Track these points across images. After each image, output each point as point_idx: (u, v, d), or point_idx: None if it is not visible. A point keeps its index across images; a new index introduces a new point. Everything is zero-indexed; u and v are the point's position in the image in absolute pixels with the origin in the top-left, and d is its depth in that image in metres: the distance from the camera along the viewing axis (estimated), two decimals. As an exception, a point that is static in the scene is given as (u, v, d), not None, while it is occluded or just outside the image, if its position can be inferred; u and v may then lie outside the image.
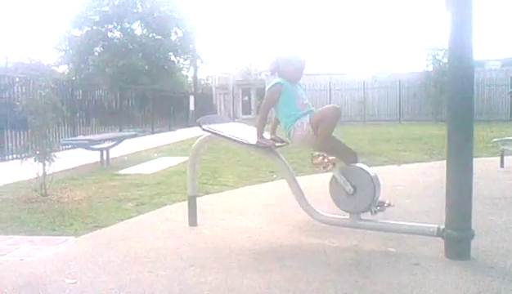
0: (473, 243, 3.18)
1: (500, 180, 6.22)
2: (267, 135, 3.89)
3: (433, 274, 2.90)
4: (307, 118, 3.60)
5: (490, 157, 8.30)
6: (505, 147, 7.24)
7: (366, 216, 3.53)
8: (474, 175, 3.16)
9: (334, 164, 3.53)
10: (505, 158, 7.24)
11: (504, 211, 4.52)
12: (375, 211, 3.48)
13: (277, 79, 3.70)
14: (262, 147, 3.75)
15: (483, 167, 6.90)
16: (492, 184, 5.80)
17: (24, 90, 7.38)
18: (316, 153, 3.58)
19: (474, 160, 3.19)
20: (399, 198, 5.09)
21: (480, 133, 10.41)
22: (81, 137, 11.41)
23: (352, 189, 3.44)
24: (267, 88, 3.76)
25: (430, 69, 25.05)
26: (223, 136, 3.87)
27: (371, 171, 3.50)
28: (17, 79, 10.11)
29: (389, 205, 3.57)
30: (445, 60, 22.82)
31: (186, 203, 4.32)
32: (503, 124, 19.65)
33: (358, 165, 3.56)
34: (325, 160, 3.53)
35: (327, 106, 3.69)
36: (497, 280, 2.80)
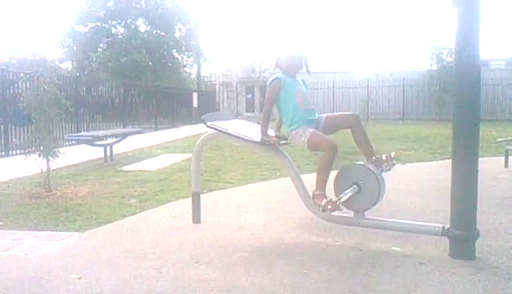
0: (478, 243, 3.17)
1: (504, 180, 6.20)
2: (271, 132, 3.89)
3: (438, 274, 2.89)
4: (306, 134, 3.56)
5: (494, 157, 8.27)
6: (510, 147, 7.20)
7: (371, 214, 3.52)
8: (479, 175, 3.15)
9: (332, 208, 3.37)
10: (509, 157, 7.21)
11: (509, 211, 4.50)
12: (388, 168, 3.58)
13: (276, 74, 3.72)
14: (267, 144, 3.75)
15: (488, 166, 6.88)
16: (497, 184, 5.78)
17: (28, 85, 7.40)
18: (317, 193, 3.46)
19: (479, 160, 3.17)
20: (404, 196, 5.09)
21: (484, 133, 10.37)
22: (85, 133, 11.43)
23: (357, 188, 3.43)
24: (267, 84, 3.77)
25: (434, 67, 24.96)
26: (228, 134, 3.87)
27: (376, 169, 3.49)
28: (22, 75, 10.13)
29: (396, 156, 3.63)
30: (449, 59, 22.77)
31: (189, 200, 4.32)
32: (507, 124, 19.58)
33: (363, 163, 3.56)
34: (328, 206, 3.35)
35: (325, 140, 3.51)
36: (502, 280, 2.79)
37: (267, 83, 3.76)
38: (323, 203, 3.37)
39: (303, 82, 3.85)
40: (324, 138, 3.54)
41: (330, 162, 3.48)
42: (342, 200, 3.36)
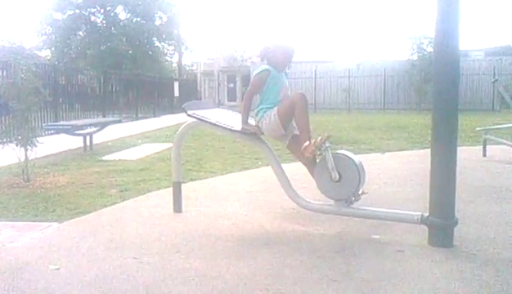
0: (456, 231, 3.21)
1: (482, 168, 6.30)
2: (252, 121, 3.87)
3: (417, 261, 2.93)
4: (274, 108, 3.60)
5: (473, 146, 8.40)
6: (488, 136, 7.32)
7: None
8: (457, 164, 3.19)
9: (327, 147, 3.39)
10: (487, 147, 7.32)
11: (486, 199, 4.57)
12: (351, 201, 3.49)
13: (265, 66, 3.68)
14: (248, 133, 3.74)
15: (466, 155, 6.98)
16: (475, 173, 5.87)
17: (5, 74, 7.26)
18: (307, 143, 3.44)
19: (458, 149, 3.21)
20: (383, 185, 5.14)
21: (463, 122, 10.51)
22: (64, 122, 11.29)
23: (337, 176, 3.44)
24: (254, 74, 3.74)
25: (415, 57, 25.13)
26: (209, 122, 3.85)
27: (357, 158, 3.51)
28: (-2, 63, 9.93)
29: (363, 193, 3.56)
30: (429, 49, 22.94)
31: (170, 190, 4.30)
32: (486, 114, 19.88)
33: (344, 152, 3.57)
34: (322, 142, 3.36)
35: (293, 94, 3.62)
36: (479, 267, 2.83)
37: (254, 73, 3.73)
38: (312, 142, 3.40)
39: (285, 74, 3.85)
40: (287, 98, 3.61)
41: (305, 108, 3.51)
42: (326, 156, 3.39)
